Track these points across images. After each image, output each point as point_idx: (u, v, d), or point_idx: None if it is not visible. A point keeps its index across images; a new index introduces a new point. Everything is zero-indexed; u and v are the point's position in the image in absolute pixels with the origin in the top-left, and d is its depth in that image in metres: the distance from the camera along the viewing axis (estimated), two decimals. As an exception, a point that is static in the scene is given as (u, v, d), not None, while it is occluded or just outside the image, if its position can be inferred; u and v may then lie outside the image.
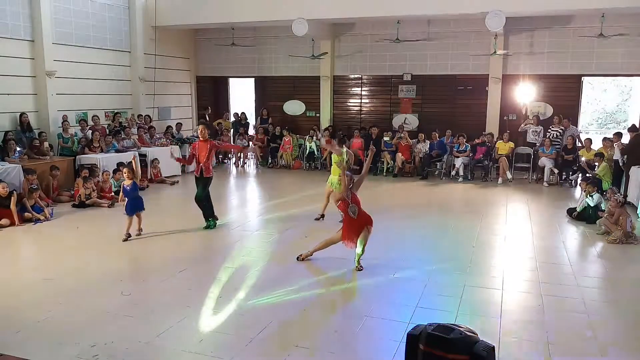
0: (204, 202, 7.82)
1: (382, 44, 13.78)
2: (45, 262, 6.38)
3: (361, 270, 5.88)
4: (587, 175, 10.43)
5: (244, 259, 6.48)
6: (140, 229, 7.35)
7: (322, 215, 8.21)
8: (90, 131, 11.28)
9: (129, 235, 7.14)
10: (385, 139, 13.20)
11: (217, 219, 7.95)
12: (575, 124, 12.69)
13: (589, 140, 11.51)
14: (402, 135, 12.99)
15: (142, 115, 13.33)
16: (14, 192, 8.22)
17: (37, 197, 8.50)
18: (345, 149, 7.99)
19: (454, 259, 6.43)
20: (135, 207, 7.29)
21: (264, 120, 15.02)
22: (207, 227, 7.78)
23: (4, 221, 7.85)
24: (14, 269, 6.22)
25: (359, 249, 5.87)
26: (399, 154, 12.72)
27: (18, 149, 9.76)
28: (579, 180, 10.85)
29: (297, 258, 6.26)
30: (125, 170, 7.44)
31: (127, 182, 7.28)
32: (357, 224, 5.90)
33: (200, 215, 7.87)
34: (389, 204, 9.02)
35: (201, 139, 7.72)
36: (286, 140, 14.02)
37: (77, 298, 5.21)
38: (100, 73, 12.50)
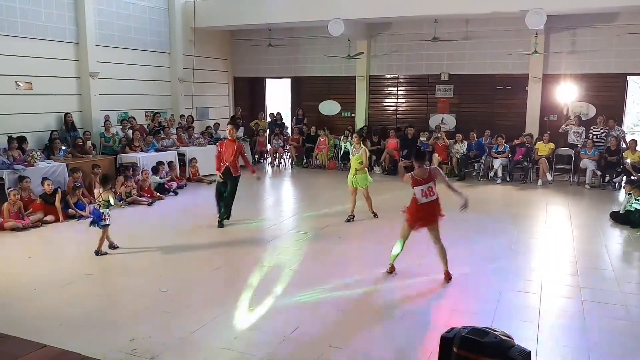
0: (228, 200, 7.96)
1: (419, 43, 13.63)
2: (87, 257, 6.57)
3: (392, 272, 5.82)
4: (632, 177, 10.08)
5: (278, 257, 6.53)
6: (111, 244, 6.76)
7: (353, 216, 8.20)
8: (130, 131, 11.59)
9: (113, 246, 6.72)
10: (422, 139, 13.08)
11: (227, 219, 8.03)
12: (620, 124, 12.26)
13: (634, 142, 11.09)
14: (439, 135, 12.84)
15: (184, 116, 13.60)
16: (59, 189, 8.52)
17: (80, 195, 8.78)
18: (363, 147, 8.09)
19: (492, 262, 6.32)
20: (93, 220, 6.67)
21: (300, 120, 15.10)
22: (221, 224, 7.90)
23: (49, 217, 8.15)
24: (58, 263, 6.43)
25: (397, 248, 5.76)
26: (436, 155, 12.49)
27: (63, 147, 10.09)
28: (623, 183, 10.49)
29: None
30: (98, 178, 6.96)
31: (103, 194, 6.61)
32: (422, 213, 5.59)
33: (236, 214, 7.98)
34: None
35: (229, 138, 7.92)
36: (322, 140, 14.05)
37: (116, 293, 5.37)
38: (140, 74, 12.83)
